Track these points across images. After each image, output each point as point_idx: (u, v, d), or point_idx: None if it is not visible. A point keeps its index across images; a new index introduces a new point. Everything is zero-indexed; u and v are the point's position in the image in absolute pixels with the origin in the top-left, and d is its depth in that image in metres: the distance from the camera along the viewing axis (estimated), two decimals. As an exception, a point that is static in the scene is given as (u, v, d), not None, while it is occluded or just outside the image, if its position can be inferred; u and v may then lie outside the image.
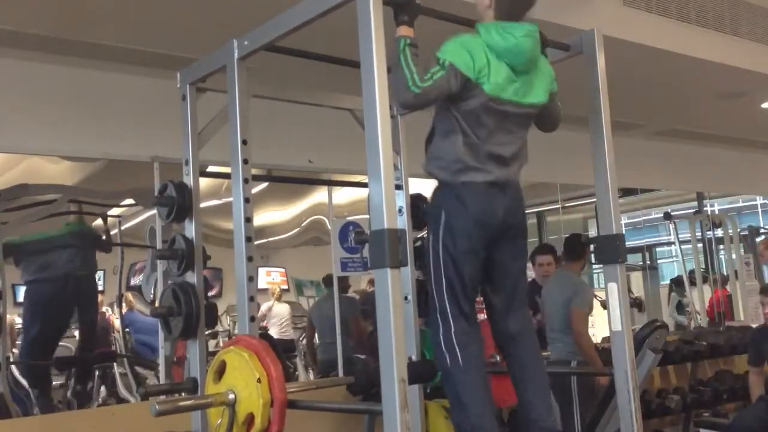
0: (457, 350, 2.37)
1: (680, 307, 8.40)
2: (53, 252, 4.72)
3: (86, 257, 4.92)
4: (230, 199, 2.55)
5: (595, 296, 6.70)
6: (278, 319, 7.15)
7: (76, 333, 4.95)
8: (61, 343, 4.89)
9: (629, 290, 5.23)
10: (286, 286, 7.65)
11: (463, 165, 2.38)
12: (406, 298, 3.00)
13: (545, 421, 2.47)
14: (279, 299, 7.22)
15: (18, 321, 4.76)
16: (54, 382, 4.79)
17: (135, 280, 5.56)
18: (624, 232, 2.65)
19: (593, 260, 6.91)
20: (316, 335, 5.06)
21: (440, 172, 2.44)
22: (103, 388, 5.02)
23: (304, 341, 7.29)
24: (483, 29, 2.40)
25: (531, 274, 5.01)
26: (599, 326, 6.20)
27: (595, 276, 8.51)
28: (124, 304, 5.45)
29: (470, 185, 2.38)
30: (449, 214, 2.40)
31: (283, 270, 7.60)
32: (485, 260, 2.45)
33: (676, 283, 8.59)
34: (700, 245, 7.99)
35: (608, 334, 2.64)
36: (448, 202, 2.41)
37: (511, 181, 2.49)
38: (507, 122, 2.43)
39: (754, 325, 7.01)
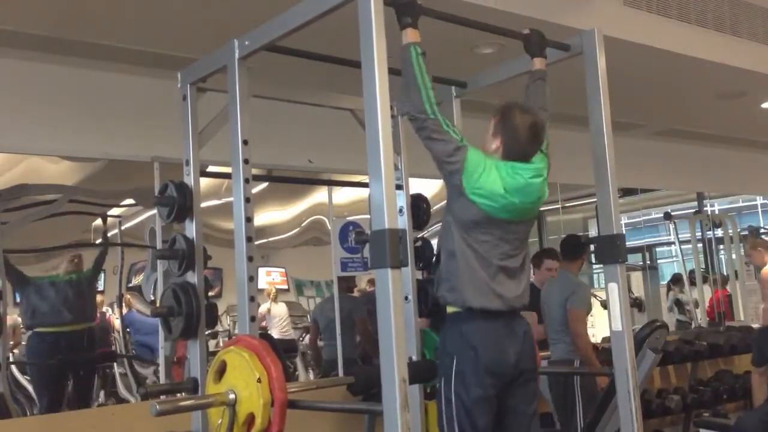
0: None
1: (679, 305, 8.40)
2: (52, 301, 4.73)
3: (84, 307, 4.94)
4: (230, 199, 2.55)
5: (595, 296, 6.72)
6: (279, 319, 7.16)
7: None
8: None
9: (629, 290, 5.26)
10: (286, 286, 7.65)
11: (473, 282, 2.38)
12: (406, 298, 3.00)
13: None
14: (275, 300, 7.22)
15: (18, 321, 4.77)
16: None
17: (135, 280, 5.56)
18: (624, 232, 2.65)
19: (593, 260, 6.93)
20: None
21: (450, 295, 2.43)
22: (102, 390, 5.03)
23: (305, 341, 7.29)
24: (494, 163, 2.41)
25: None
26: (599, 326, 6.20)
27: (595, 276, 8.51)
28: (124, 305, 5.45)
29: (480, 324, 2.37)
30: (460, 363, 2.38)
31: (283, 270, 7.60)
32: (497, 406, 2.44)
33: (674, 281, 8.60)
34: (700, 245, 7.99)
35: (608, 334, 2.64)
36: (459, 349, 2.40)
37: (521, 317, 2.49)
38: (509, 233, 2.44)
39: (755, 326, 7.02)
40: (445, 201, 2.53)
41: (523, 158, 2.44)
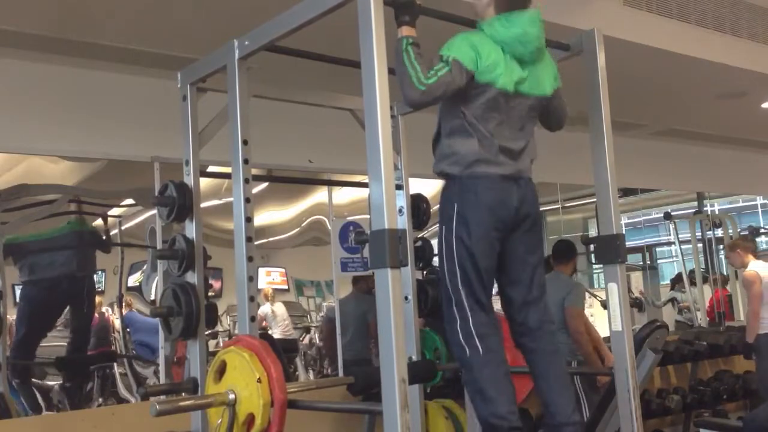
0: (477, 342, 2.32)
1: (674, 304, 8.42)
2: (51, 252, 4.71)
3: (84, 258, 4.92)
4: (230, 199, 2.55)
5: (595, 296, 6.73)
6: (280, 319, 7.16)
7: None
8: (54, 343, 4.88)
9: (629, 290, 5.26)
10: (286, 286, 7.65)
11: (476, 158, 2.35)
12: (406, 298, 3.00)
13: (570, 417, 2.42)
14: (272, 301, 7.22)
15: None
16: (52, 382, 4.79)
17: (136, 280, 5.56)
18: (624, 232, 2.65)
19: (593, 260, 6.92)
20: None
21: (452, 168, 2.40)
22: (101, 389, 5.02)
23: (305, 341, 7.29)
24: (486, 25, 2.40)
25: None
26: (599, 326, 6.20)
27: (595, 276, 8.51)
28: (124, 305, 5.45)
29: (483, 176, 2.36)
30: (462, 205, 2.36)
31: (283, 270, 7.60)
32: (500, 253, 2.41)
33: (674, 281, 8.62)
34: (700, 245, 7.99)
35: (608, 334, 2.64)
36: (460, 194, 2.37)
37: (524, 174, 2.46)
38: (515, 116, 2.42)
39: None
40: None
41: (517, 5, 2.40)
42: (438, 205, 2.53)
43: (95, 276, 5.15)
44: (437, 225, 2.49)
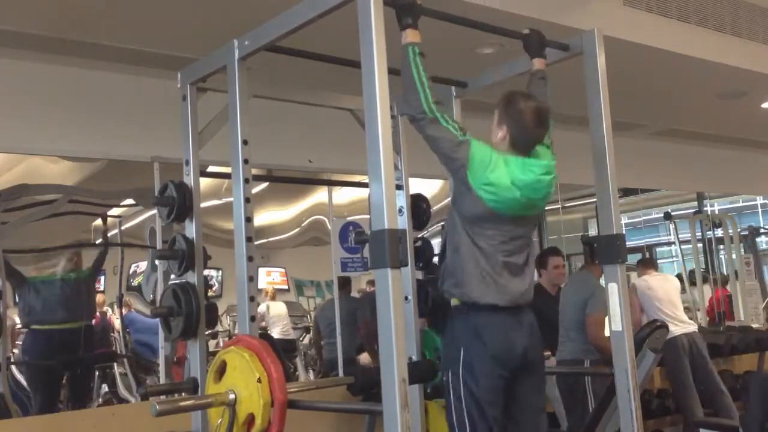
0: None
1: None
2: (48, 299, 4.72)
3: (81, 306, 4.93)
4: (230, 199, 2.55)
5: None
6: (278, 318, 7.16)
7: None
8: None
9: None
10: (286, 286, 7.65)
11: (479, 277, 2.37)
12: (406, 298, 3.00)
13: None
14: (273, 298, 7.23)
15: (18, 321, 4.77)
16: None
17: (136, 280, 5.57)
18: (624, 232, 2.65)
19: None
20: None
21: (455, 290, 2.42)
22: (103, 387, 5.03)
23: (305, 341, 7.29)
24: (504, 156, 2.41)
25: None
26: (599, 326, 6.20)
27: (595, 276, 8.48)
28: (123, 305, 5.46)
29: (486, 316, 2.37)
30: (468, 353, 2.37)
31: (283, 270, 7.61)
32: (505, 399, 2.42)
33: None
34: (700, 245, 7.99)
35: (608, 334, 2.64)
36: (466, 339, 2.38)
37: (526, 303, 2.47)
38: (514, 228, 2.43)
39: (754, 326, 7.02)
40: (449, 199, 2.52)
41: (530, 145, 2.43)
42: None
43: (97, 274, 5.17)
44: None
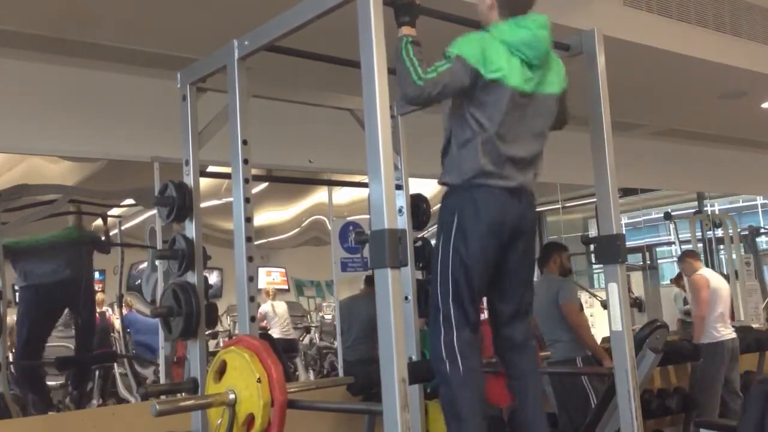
0: (459, 360, 2.31)
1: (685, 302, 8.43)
2: (48, 256, 4.71)
3: (81, 263, 4.92)
4: (230, 199, 2.54)
5: (595, 296, 6.73)
6: (280, 318, 7.17)
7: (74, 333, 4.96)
8: (59, 344, 4.89)
9: (629, 290, 5.27)
10: (286, 286, 7.65)
11: (480, 172, 2.32)
12: (406, 298, 3.00)
13: None
14: (273, 298, 7.24)
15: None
16: (52, 383, 4.79)
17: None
18: (624, 232, 2.65)
19: (593, 260, 6.91)
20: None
21: (456, 179, 2.38)
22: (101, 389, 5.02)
23: (310, 341, 7.29)
24: (494, 28, 2.37)
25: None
26: (599, 326, 6.21)
27: (595, 276, 8.51)
28: (124, 305, 5.46)
29: (486, 188, 2.33)
30: (462, 218, 2.34)
31: (283, 270, 7.61)
32: (493, 266, 2.41)
33: (677, 279, 8.63)
34: (700, 245, 7.99)
35: (608, 334, 2.64)
36: (462, 206, 2.35)
37: (527, 189, 2.44)
38: (528, 118, 2.38)
39: (755, 326, 7.02)
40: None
41: (521, 8, 2.39)
42: (438, 208, 2.52)
43: (95, 275, 5.16)
44: (437, 225, 2.49)
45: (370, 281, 5.46)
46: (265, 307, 7.06)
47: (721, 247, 8.12)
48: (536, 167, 2.47)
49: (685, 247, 8.03)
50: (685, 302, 8.39)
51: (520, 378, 2.51)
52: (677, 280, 8.63)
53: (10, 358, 4.56)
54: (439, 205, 2.50)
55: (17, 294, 4.67)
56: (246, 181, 2.52)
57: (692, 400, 5.62)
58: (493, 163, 2.33)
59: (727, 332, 5.35)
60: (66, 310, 4.91)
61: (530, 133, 2.41)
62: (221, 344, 6.04)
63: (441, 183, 2.46)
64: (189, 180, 2.78)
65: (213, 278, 5.96)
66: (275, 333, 6.93)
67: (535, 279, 2.94)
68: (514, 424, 2.56)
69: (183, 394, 2.70)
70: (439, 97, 2.28)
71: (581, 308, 4.84)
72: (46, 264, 4.75)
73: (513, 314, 2.50)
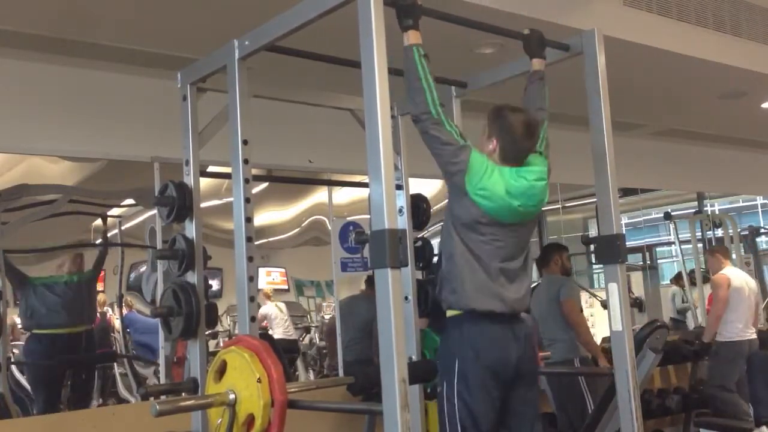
0: None
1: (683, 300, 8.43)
2: (50, 302, 4.71)
3: (83, 309, 4.93)
4: (230, 199, 2.55)
5: (595, 296, 6.73)
6: (281, 318, 7.17)
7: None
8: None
9: (630, 290, 5.27)
10: (286, 286, 7.65)
11: (474, 284, 2.37)
12: (406, 298, 3.00)
13: None
14: (269, 298, 7.24)
15: (18, 321, 4.77)
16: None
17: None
18: (624, 232, 2.65)
19: (593, 260, 6.91)
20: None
21: (451, 297, 2.43)
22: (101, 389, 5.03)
23: (310, 341, 7.27)
24: (497, 168, 2.42)
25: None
26: (599, 326, 6.21)
27: (595, 276, 8.51)
28: (124, 305, 5.46)
29: (482, 327, 2.38)
30: (463, 363, 2.38)
31: (283, 270, 7.61)
32: (499, 409, 2.43)
33: (676, 278, 8.64)
34: (700, 245, 7.99)
35: (608, 334, 2.64)
36: (461, 350, 2.39)
37: (523, 320, 2.48)
38: (511, 235, 2.43)
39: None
40: (446, 202, 2.52)
41: (520, 157, 2.45)
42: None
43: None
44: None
45: (370, 282, 5.47)
46: (267, 309, 7.06)
47: (721, 247, 8.11)
48: (527, 278, 2.51)
49: (685, 247, 8.03)
50: (683, 300, 8.39)
51: None
52: (677, 280, 8.65)
53: (11, 359, 4.56)
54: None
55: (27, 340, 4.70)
56: (246, 181, 2.52)
57: (693, 400, 5.62)
58: (487, 274, 2.38)
59: (748, 332, 5.34)
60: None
61: (515, 247, 2.46)
62: (221, 344, 6.04)
63: (438, 299, 2.52)
64: (189, 180, 2.78)
65: (216, 285, 5.96)
66: (277, 333, 6.94)
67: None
68: None
69: (183, 394, 2.70)
70: (429, 140, 2.34)
71: (581, 310, 4.83)
72: (52, 310, 4.74)
73: None
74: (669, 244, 9.29)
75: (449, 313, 2.47)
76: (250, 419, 2.14)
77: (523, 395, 2.48)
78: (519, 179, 2.39)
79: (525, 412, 2.50)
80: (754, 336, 5.43)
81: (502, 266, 2.41)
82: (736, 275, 5.61)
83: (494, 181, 2.35)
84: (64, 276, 4.78)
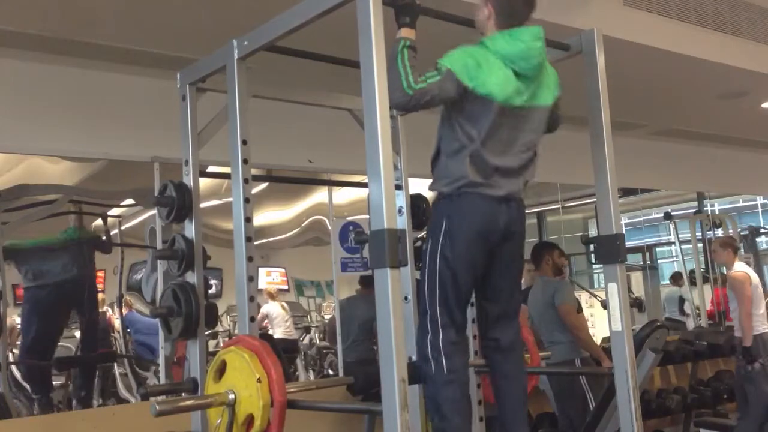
0: (443, 360, 2.35)
1: (678, 302, 8.42)
2: (51, 258, 4.71)
3: (84, 263, 4.92)
4: (230, 199, 2.54)
5: (595, 296, 6.73)
6: (281, 319, 7.17)
7: (77, 333, 4.96)
8: (61, 344, 4.89)
9: (630, 290, 5.28)
10: (286, 286, 7.66)
11: (468, 181, 2.35)
12: (406, 298, 3.00)
13: None
14: (273, 298, 7.24)
15: (18, 321, 4.77)
16: (54, 382, 4.79)
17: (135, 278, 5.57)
18: (624, 232, 2.65)
19: (593, 260, 6.91)
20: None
21: (445, 188, 2.41)
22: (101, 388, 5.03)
23: (310, 341, 7.28)
24: (488, 40, 2.39)
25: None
26: (599, 326, 6.21)
27: (595, 276, 8.52)
28: (124, 305, 5.46)
29: (474, 196, 2.36)
30: (451, 222, 2.37)
31: (283, 270, 7.61)
32: (481, 269, 2.43)
33: (675, 278, 8.64)
34: (700, 245, 7.99)
35: (608, 334, 2.64)
36: (449, 212, 2.38)
37: (515, 196, 2.46)
38: (517, 130, 2.40)
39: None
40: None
41: (516, 16, 2.39)
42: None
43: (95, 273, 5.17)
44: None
45: (365, 281, 5.47)
46: (268, 308, 7.06)
47: (721, 247, 8.10)
48: (526, 175, 2.48)
49: (685, 247, 8.04)
50: (681, 301, 8.38)
51: (504, 380, 2.52)
52: (675, 280, 8.65)
53: (11, 358, 4.56)
54: (430, 218, 2.51)
55: (24, 294, 4.68)
56: (246, 181, 2.52)
57: (693, 400, 5.63)
58: (481, 174, 2.35)
59: (764, 327, 5.32)
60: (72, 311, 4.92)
61: (520, 145, 2.43)
62: (221, 344, 6.04)
63: (431, 190, 2.49)
64: (189, 180, 2.78)
65: (215, 285, 5.96)
66: (278, 333, 6.94)
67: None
68: (496, 426, 2.57)
69: (183, 394, 2.70)
70: (426, 106, 2.29)
71: (580, 309, 4.82)
72: (51, 263, 4.75)
73: (499, 316, 2.52)
74: (669, 244, 9.30)
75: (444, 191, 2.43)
76: (250, 419, 2.14)
77: (507, 259, 2.46)
78: (514, 42, 2.34)
79: (506, 277, 2.49)
80: None
81: (501, 165, 2.37)
82: (750, 271, 5.58)
83: (490, 63, 2.30)
84: (68, 230, 4.79)
